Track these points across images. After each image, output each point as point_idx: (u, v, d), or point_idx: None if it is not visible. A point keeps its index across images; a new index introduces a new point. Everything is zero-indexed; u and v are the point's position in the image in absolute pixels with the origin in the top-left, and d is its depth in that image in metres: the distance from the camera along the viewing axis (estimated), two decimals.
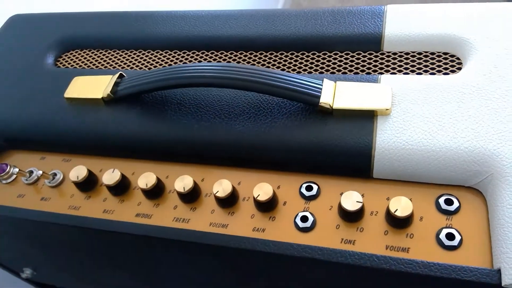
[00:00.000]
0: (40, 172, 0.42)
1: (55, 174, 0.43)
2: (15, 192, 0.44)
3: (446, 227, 0.33)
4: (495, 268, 0.30)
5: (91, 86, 0.45)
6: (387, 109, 0.37)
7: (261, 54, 0.47)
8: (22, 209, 0.41)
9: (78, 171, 0.40)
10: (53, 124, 0.45)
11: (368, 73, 0.42)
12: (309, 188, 0.37)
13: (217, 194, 0.37)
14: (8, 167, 0.43)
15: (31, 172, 0.44)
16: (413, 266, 0.31)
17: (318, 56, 0.45)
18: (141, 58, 0.50)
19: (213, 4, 1.28)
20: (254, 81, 0.39)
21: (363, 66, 0.43)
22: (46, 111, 0.45)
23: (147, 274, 0.48)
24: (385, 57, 0.43)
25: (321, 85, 0.39)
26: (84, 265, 0.52)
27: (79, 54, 0.53)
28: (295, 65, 0.45)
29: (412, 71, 0.41)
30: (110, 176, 0.39)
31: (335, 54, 0.45)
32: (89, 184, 0.41)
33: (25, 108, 0.46)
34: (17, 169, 0.43)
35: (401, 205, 0.33)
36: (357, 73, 0.43)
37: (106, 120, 0.43)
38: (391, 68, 0.42)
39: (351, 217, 0.35)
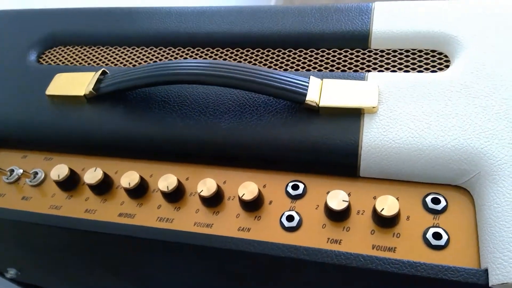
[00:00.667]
0: (21, 171, 0.41)
1: (36, 173, 0.42)
2: None
3: (433, 227, 0.33)
4: (482, 268, 0.30)
5: (74, 83, 0.44)
6: (374, 107, 0.36)
7: (247, 51, 0.46)
8: (2, 208, 0.40)
9: (60, 170, 0.39)
10: (34, 122, 0.43)
11: (355, 71, 0.42)
12: (295, 187, 0.37)
13: (201, 194, 0.36)
14: None
15: (11, 171, 0.43)
16: (400, 266, 0.31)
17: (305, 54, 0.45)
18: (125, 54, 0.49)
19: (206, 0, 1.27)
20: (239, 79, 0.38)
21: (350, 63, 0.43)
22: (27, 109, 0.44)
23: (131, 274, 0.47)
24: (372, 55, 0.43)
25: (308, 83, 0.38)
26: (68, 266, 0.51)
27: (62, 50, 0.52)
28: (282, 63, 0.44)
29: (400, 69, 0.41)
30: (92, 175, 0.38)
31: (322, 51, 0.44)
32: (70, 183, 0.40)
33: (6, 106, 0.45)
34: None
35: (388, 204, 0.32)
36: (344, 70, 0.42)
37: (89, 117, 0.42)
38: (378, 66, 0.42)
39: (337, 217, 0.34)
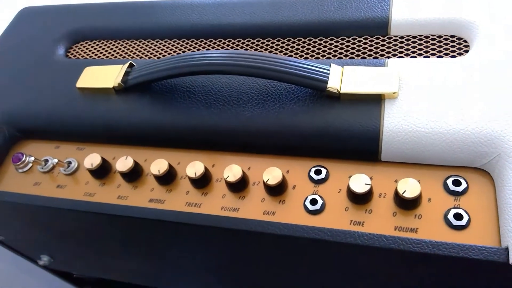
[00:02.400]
0: (56, 160, 0.44)
1: (70, 162, 0.44)
2: (31, 180, 0.45)
3: (454, 208, 0.34)
4: (503, 246, 0.31)
5: (102, 76, 0.46)
6: (394, 93, 0.37)
7: (268, 41, 0.47)
8: (39, 196, 0.43)
9: (92, 159, 0.41)
10: (66, 113, 0.45)
11: (375, 58, 0.43)
12: (318, 172, 0.38)
13: (227, 179, 0.37)
14: (24, 156, 0.44)
15: (46, 161, 0.45)
16: (422, 245, 0.32)
17: (325, 42, 0.45)
18: (149, 47, 0.51)
19: None
20: (262, 68, 0.39)
21: (370, 50, 0.43)
22: (59, 101, 0.46)
23: (160, 258, 0.50)
24: (392, 41, 0.43)
25: (329, 70, 0.39)
26: (100, 252, 0.53)
27: (89, 45, 0.54)
28: (302, 51, 0.45)
29: (419, 55, 0.42)
30: (123, 163, 0.40)
31: (342, 39, 0.45)
32: (103, 171, 0.42)
33: (38, 99, 0.48)
34: (32, 158, 0.44)
35: (409, 187, 0.33)
36: (364, 57, 0.43)
37: (117, 108, 0.44)
38: (398, 52, 0.42)
39: (360, 199, 0.35)
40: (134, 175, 0.41)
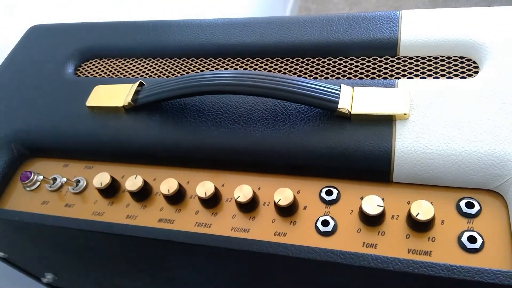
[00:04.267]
0: (64, 179, 0.43)
1: (78, 181, 0.44)
2: (39, 199, 0.45)
3: (467, 230, 0.33)
4: None
5: (112, 95, 0.46)
6: (405, 114, 0.37)
7: (277, 60, 0.48)
8: (47, 215, 0.42)
9: (101, 178, 0.41)
10: (75, 132, 0.46)
11: (385, 78, 0.43)
12: (329, 193, 0.38)
13: (238, 199, 0.37)
14: (32, 174, 0.44)
15: (54, 179, 0.45)
16: (436, 269, 0.31)
17: (334, 62, 0.46)
18: (159, 66, 0.51)
19: (220, 13, 1.29)
20: (272, 88, 0.39)
21: (379, 71, 0.43)
22: (68, 119, 0.47)
23: (168, 278, 0.49)
24: (401, 62, 0.44)
25: (339, 91, 0.39)
26: (106, 270, 0.53)
27: (98, 63, 0.54)
28: (311, 71, 0.46)
29: (429, 76, 0.42)
30: (132, 182, 0.40)
31: (351, 59, 0.45)
32: (112, 191, 0.42)
33: (47, 117, 0.48)
34: (41, 177, 0.44)
35: (423, 209, 0.33)
36: (373, 78, 0.43)
37: (127, 127, 0.44)
38: (407, 73, 0.43)
39: (372, 221, 0.35)
40: (143, 194, 0.41)
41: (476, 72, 0.41)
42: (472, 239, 0.33)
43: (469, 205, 0.35)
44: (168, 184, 0.39)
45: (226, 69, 0.49)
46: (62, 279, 0.61)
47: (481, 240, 0.33)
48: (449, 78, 0.41)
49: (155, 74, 0.51)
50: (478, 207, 0.34)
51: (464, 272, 0.31)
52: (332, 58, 0.46)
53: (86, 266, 0.53)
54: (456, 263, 0.32)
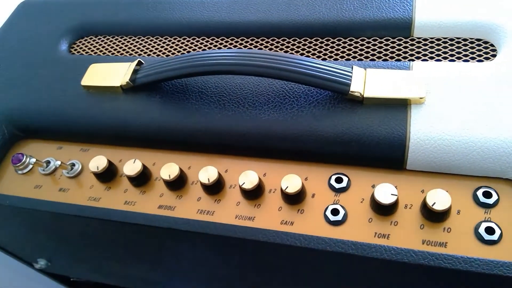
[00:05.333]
0: (58, 162, 0.41)
1: (73, 165, 0.42)
2: (32, 183, 0.42)
3: (485, 221, 0.32)
4: None
5: (109, 74, 0.44)
6: (421, 98, 0.35)
7: (283, 40, 0.45)
8: (40, 200, 0.40)
9: (98, 162, 0.39)
10: (70, 112, 0.43)
11: (398, 60, 0.41)
12: (339, 180, 0.36)
13: (243, 186, 0.35)
14: (24, 157, 0.42)
15: (48, 162, 0.42)
16: (453, 261, 0.30)
17: (344, 43, 0.43)
18: (158, 44, 0.49)
19: None
20: (279, 68, 0.37)
21: (392, 52, 0.41)
22: (62, 99, 0.44)
23: (168, 266, 0.47)
24: (415, 43, 0.41)
25: (351, 73, 0.37)
26: (102, 257, 0.51)
27: (93, 40, 0.52)
28: (320, 52, 0.43)
29: (445, 58, 0.40)
30: (131, 166, 0.38)
31: (362, 40, 0.43)
32: (109, 175, 0.40)
33: (40, 96, 0.45)
34: (33, 159, 0.41)
35: (439, 198, 0.31)
36: (386, 60, 0.41)
37: (125, 108, 0.42)
38: (422, 55, 0.40)
39: (385, 210, 0.33)
40: (143, 179, 0.39)
41: (494, 56, 0.39)
42: (489, 230, 0.31)
43: (487, 195, 0.33)
44: (168, 169, 0.37)
45: (230, 48, 0.46)
46: (55, 265, 0.60)
47: (499, 231, 0.31)
48: (465, 61, 0.39)
49: (154, 53, 0.48)
50: (496, 197, 0.33)
51: (482, 264, 0.29)
52: (342, 38, 0.44)
53: (81, 252, 0.51)
54: (473, 255, 0.30)
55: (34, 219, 0.44)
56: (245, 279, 0.45)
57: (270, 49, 0.45)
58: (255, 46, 0.46)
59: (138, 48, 0.49)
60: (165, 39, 0.49)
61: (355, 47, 0.43)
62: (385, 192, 0.33)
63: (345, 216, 0.34)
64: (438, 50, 0.40)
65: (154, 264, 0.48)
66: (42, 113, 0.44)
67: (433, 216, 0.32)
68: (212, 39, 0.48)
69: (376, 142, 0.35)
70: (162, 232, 0.37)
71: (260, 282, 0.45)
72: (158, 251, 0.43)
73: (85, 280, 0.70)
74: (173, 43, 0.48)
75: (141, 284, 0.57)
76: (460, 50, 0.40)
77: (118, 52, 0.49)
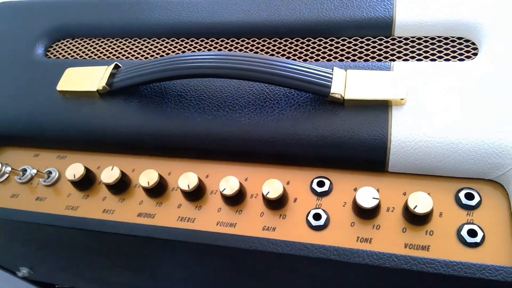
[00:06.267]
0: (34, 170, 0.40)
1: (50, 172, 0.41)
2: (7, 192, 0.41)
3: (467, 223, 0.32)
4: None
5: (85, 78, 0.42)
6: (402, 99, 0.35)
7: (264, 41, 0.45)
8: (16, 210, 0.39)
9: (75, 169, 0.38)
10: (46, 118, 0.42)
11: (379, 60, 0.40)
12: (320, 184, 0.36)
13: (224, 192, 0.35)
14: (0, 165, 0.41)
15: (24, 171, 0.41)
16: (435, 265, 0.29)
17: (325, 43, 0.43)
18: (136, 47, 0.48)
19: None
20: (259, 71, 0.36)
21: (373, 52, 0.41)
22: (38, 105, 0.43)
23: (150, 273, 0.47)
24: (396, 43, 0.41)
25: (331, 74, 0.37)
26: (83, 265, 0.50)
27: (70, 43, 0.50)
28: (301, 53, 0.43)
29: (426, 57, 0.39)
30: (109, 174, 0.37)
31: (343, 40, 0.42)
32: (86, 183, 0.39)
33: (15, 102, 0.44)
34: (9, 168, 0.40)
35: (421, 201, 0.31)
36: (367, 60, 0.41)
37: (102, 113, 0.41)
38: (403, 55, 0.40)
39: (367, 214, 0.33)
40: (121, 187, 0.38)
41: (475, 54, 0.39)
42: (472, 233, 0.31)
43: (469, 196, 0.33)
44: (148, 176, 0.36)
45: (209, 50, 0.45)
46: (38, 273, 0.58)
47: (482, 233, 0.31)
48: (447, 60, 0.39)
49: (132, 56, 0.47)
50: (478, 198, 0.32)
51: (465, 268, 0.29)
52: (323, 38, 0.43)
53: (63, 261, 0.50)
54: (456, 258, 0.30)
55: (13, 229, 0.43)
56: (229, 286, 0.45)
57: (251, 50, 0.44)
58: (236, 47, 0.45)
59: (116, 51, 0.48)
60: (144, 41, 0.48)
61: (336, 47, 0.42)
62: (367, 196, 0.32)
63: (327, 220, 0.34)
64: (419, 49, 0.40)
65: (137, 271, 0.47)
66: (18, 120, 0.43)
67: (415, 219, 0.32)
68: (192, 41, 0.47)
69: (357, 145, 0.34)
70: (143, 241, 0.37)
71: (244, 287, 0.44)
72: (139, 259, 0.43)
73: (70, 287, 0.69)
74: (151, 45, 0.47)
75: None
76: (441, 49, 0.40)
77: (96, 55, 0.48)
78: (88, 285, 0.60)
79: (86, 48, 0.49)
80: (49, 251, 0.48)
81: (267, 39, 0.45)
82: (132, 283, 0.52)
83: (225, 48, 0.45)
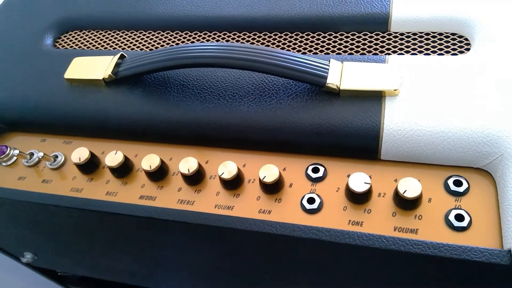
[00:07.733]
0: (41, 154, 0.42)
1: (56, 156, 0.42)
2: (15, 174, 0.43)
3: (455, 208, 0.33)
4: (505, 248, 0.30)
5: (92, 67, 0.44)
6: (395, 90, 0.36)
7: (265, 35, 0.46)
8: (23, 191, 0.41)
9: (80, 153, 0.39)
10: (53, 105, 0.44)
11: (375, 54, 0.42)
12: (315, 170, 0.37)
13: (222, 176, 0.36)
14: (8, 149, 0.42)
15: (31, 154, 0.43)
16: (423, 247, 0.31)
17: (324, 37, 0.44)
18: (141, 38, 0.49)
19: None
20: (259, 61, 0.38)
21: (369, 46, 0.42)
22: (46, 93, 0.45)
23: (151, 257, 0.48)
24: (392, 38, 0.42)
25: (328, 66, 0.38)
26: (86, 250, 0.51)
27: (78, 35, 0.52)
28: (300, 46, 0.44)
29: (420, 52, 0.41)
30: (112, 158, 0.39)
31: (341, 34, 0.44)
32: (91, 166, 0.40)
33: (24, 90, 0.45)
34: (17, 151, 0.42)
35: (410, 186, 0.32)
36: (363, 53, 0.42)
37: (108, 101, 0.42)
38: (398, 49, 0.41)
39: (359, 199, 0.34)
40: (124, 170, 0.39)
41: (468, 49, 0.40)
42: (459, 217, 0.32)
43: (457, 183, 0.34)
44: (149, 160, 0.38)
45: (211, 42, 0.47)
46: (42, 259, 0.60)
47: (469, 218, 0.32)
48: (440, 54, 0.40)
49: (137, 47, 0.49)
50: (466, 185, 0.34)
51: (451, 250, 0.30)
52: (321, 32, 0.45)
53: (67, 245, 0.52)
54: (443, 241, 0.31)
55: (19, 211, 0.45)
56: (227, 269, 0.46)
57: (252, 43, 0.46)
58: (237, 40, 0.46)
59: (122, 43, 0.49)
60: (149, 33, 0.50)
61: (334, 41, 0.44)
62: (359, 181, 0.33)
63: (321, 204, 0.35)
64: (414, 44, 0.41)
65: (138, 256, 0.49)
66: (26, 106, 0.45)
67: (405, 204, 0.33)
68: (195, 33, 0.48)
69: (351, 133, 0.36)
70: (144, 222, 0.38)
71: (241, 271, 0.46)
72: (140, 243, 0.44)
73: (71, 274, 0.70)
74: (156, 37, 0.49)
75: (126, 276, 0.58)
76: (435, 44, 0.41)
77: (102, 46, 0.50)
78: (88, 272, 0.62)
79: (93, 39, 0.51)
80: (53, 236, 0.50)
81: (267, 33, 0.46)
82: (132, 269, 0.53)
83: (227, 41, 0.47)
